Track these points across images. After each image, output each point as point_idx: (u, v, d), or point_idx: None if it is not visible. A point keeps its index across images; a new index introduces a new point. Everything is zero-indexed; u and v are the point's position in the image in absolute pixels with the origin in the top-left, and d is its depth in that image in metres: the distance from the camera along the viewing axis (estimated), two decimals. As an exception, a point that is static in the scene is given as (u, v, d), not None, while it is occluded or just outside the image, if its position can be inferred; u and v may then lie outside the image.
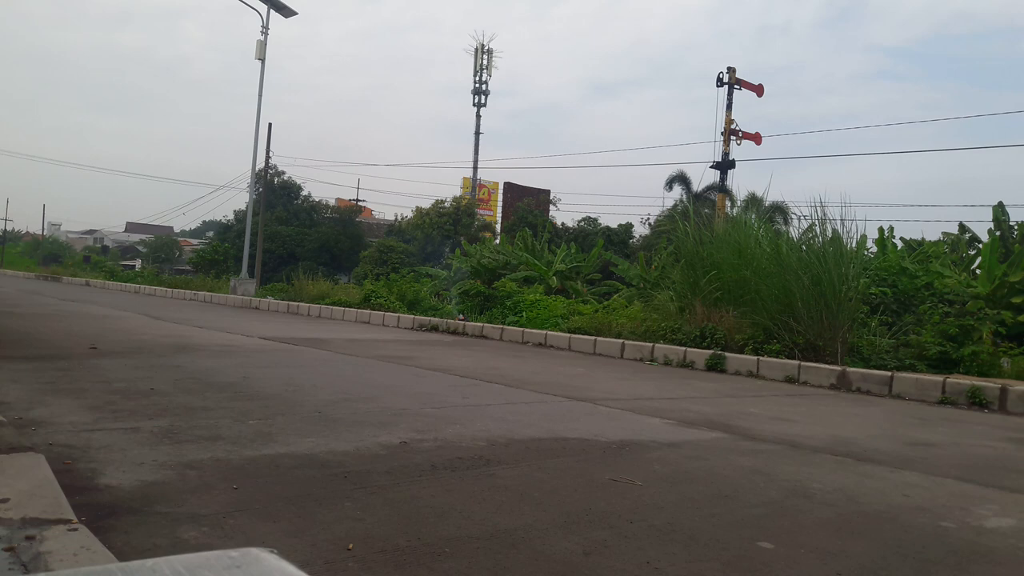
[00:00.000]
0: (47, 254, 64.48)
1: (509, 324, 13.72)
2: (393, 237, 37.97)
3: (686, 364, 9.68)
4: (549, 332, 12.08)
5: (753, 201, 15.59)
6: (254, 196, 28.62)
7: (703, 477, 3.73)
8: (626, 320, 11.90)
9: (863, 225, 19.04)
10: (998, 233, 15.78)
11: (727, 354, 9.42)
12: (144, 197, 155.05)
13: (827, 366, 8.57)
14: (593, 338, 11.21)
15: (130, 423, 4.16)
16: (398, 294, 17.70)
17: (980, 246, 16.59)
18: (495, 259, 20.54)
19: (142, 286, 28.23)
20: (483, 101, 50.62)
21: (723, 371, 9.24)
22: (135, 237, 74.36)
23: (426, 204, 39.73)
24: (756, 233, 11.26)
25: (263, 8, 25.68)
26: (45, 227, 78.76)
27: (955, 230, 19.40)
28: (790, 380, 8.60)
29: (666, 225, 24.21)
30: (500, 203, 46.35)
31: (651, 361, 10.06)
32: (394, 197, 66.29)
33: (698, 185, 32.96)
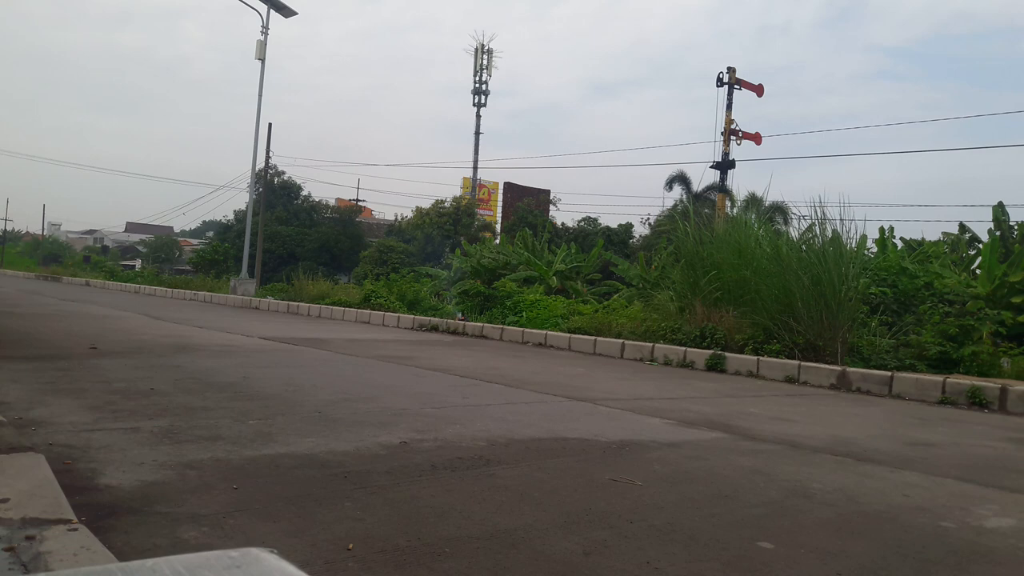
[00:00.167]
0: (47, 254, 64.49)
1: (509, 324, 13.72)
2: (393, 237, 37.98)
3: (686, 364, 9.68)
4: (549, 332, 12.08)
5: (753, 201, 15.60)
6: (254, 196, 28.63)
7: (703, 477, 3.73)
8: (626, 320, 11.90)
9: (863, 225, 19.06)
10: (998, 233, 15.78)
11: (727, 354, 9.42)
12: (144, 197, 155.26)
13: (827, 366, 8.57)
14: (593, 338, 11.21)
15: (130, 423, 4.16)
16: (398, 294, 17.71)
17: (980, 246, 16.59)
18: (495, 259, 20.54)
19: (142, 286, 28.23)
20: (483, 101, 50.65)
21: (723, 371, 9.24)
22: (135, 237, 74.38)
23: (426, 204, 39.79)
24: (756, 233, 11.26)
25: (263, 8, 25.70)
26: (45, 227, 78.82)
27: (955, 230, 19.41)
28: (790, 380, 8.60)
29: (666, 225, 24.22)
30: (500, 203, 46.36)
31: (651, 361, 10.06)
32: (394, 197, 66.38)
33: (698, 185, 33.02)
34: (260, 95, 26.01)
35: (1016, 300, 12.21)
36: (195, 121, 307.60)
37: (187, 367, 6.77)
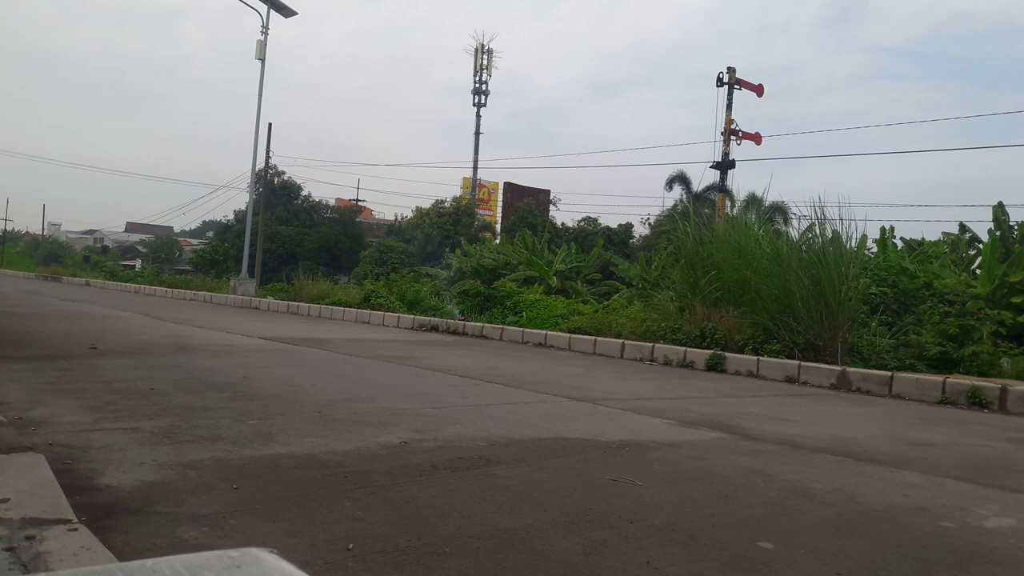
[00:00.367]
0: (47, 254, 64.50)
1: (509, 324, 13.72)
2: (393, 237, 38.00)
3: (686, 364, 9.68)
4: (549, 332, 12.08)
5: (753, 201, 15.59)
6: (254, 196, 28.63)
7: (703, 477, 3.73)
8: (626, 320, 11.90)
9: (863, 225, 18.95)
10: (998, 233, 15.78)
11: (727, 354, 9.42)
12: (144, 197, 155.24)
13: (827, 366, 8.57)
14: (593, 338, 11.21)
15: (130, 423, 4.16)
16: (398, 294, 17.71)
17: (980, 246, 16.60)
18: (495, 259, 20.54)
19: (142, 286, 28.22)
20: (483, 101, 50.67)
21: (723, 371, 9.24)
22: (135, 237, 74.39)
23: (426, 204, 39.80)
24: (756, 233, 11.26)
25: (263, 8, 25.70)
26: (45, 227, 78.83)
27: (955, 230, 19.41)
28: (790, 380, 8.60)
29: (666, 225, 24.22)
30: (500, 203, 46.36)
31: (651, 361, 10.06)
32: (394, 197, 66.39)
33: (698, 185, 33.02)
34: (260, 95, 26.03)
35: (1016, 300, 12.21)
36: (195, 121, 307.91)
37: (187, 367, 6.77)
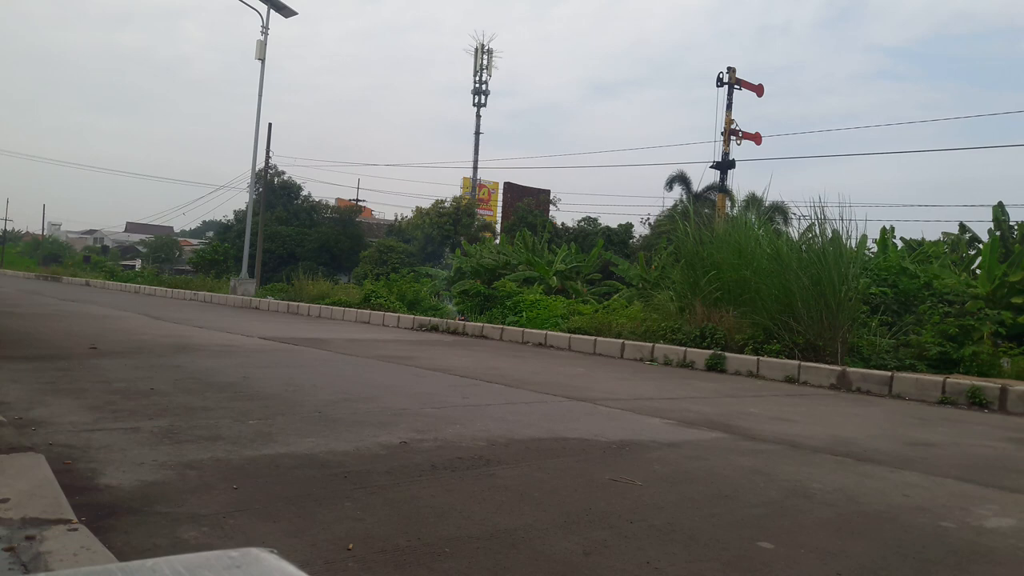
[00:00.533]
0: (47, 254, 64.51)
1: (509, 324, 13.72)
2: (393, 237, 38.04)
3: (686, 364, 9.68)
4: (549, 332, 12.08)
5: (753, 201, 15.59)
6: (254, 196, 28.63)
7: (703, 477, 3.73)
8: (626, 320, 11.90)
9: (863, 225, 19.01)
10: (998, 233, 15.79)
11: (727, 354, 9.42)
12: (144, 197, 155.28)
13: (827, 366, 8.57)
14: (593, 338, 11.21)
15: (130, 423, 4.16)
16: (398, 294, 17.71)
17: (980, 246, 16.60)
18: (495, 259, 20.53)
19: (142, 286, 28.22)
20: (483, 101, 50.70)
21: (723, 371, 9.24)
22: (135, 237, 74.39)
23: (426, 204, 39.82)
24: (756, 233, 11.26)
25: (263, 8, 25.71)
26: (45, 227, 78.85)
27: (955, 230, 19.42)
28: (790, 380, 8.60)
29: (666, 225, 24.23)
30: (500, 203, 46.35)
31: (651, 361, 10.06)
32: (394, 197, 66.44)
33: (698, 185, 33.05)
34: (260, 95, 26.03)
35: (1016, 300, 12.21)
36: (195, 121, 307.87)
37: (187, 367, 6.77)
